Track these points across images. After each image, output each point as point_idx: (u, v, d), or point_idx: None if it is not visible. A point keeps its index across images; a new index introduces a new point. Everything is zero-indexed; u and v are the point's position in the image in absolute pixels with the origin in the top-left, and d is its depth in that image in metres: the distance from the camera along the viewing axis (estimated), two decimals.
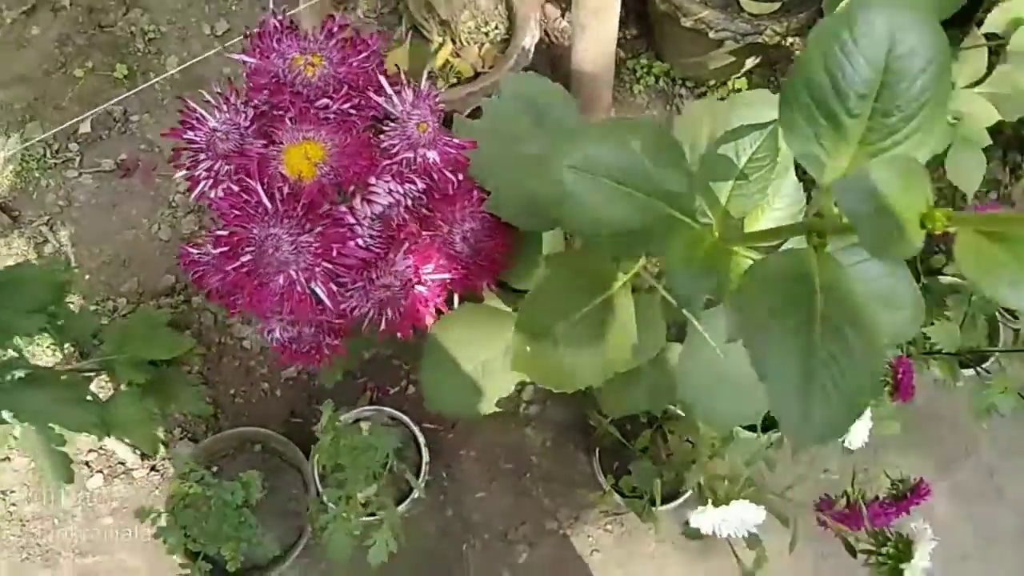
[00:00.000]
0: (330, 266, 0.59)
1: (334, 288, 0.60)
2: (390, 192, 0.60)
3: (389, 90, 0.61)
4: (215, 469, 1.12)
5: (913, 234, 0.30)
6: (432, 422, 1.25)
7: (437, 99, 0.63)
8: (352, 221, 0.59)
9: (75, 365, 0.98)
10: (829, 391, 0.37)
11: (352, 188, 0.59)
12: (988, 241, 0.30)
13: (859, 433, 0.81)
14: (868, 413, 0.82)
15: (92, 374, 1.01)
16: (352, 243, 0.60)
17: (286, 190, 0.58)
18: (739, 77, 1.41)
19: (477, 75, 1.17)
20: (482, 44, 1.20)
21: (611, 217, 0.52)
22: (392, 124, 0.61)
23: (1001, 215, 0.29)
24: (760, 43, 1.23)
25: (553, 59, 1.44)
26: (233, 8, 1.44)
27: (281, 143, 0.59)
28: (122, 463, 1.20)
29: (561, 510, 1.24)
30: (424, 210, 0.69)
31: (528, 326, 0.61)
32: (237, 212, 0.60)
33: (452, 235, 0.70)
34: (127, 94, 1.24)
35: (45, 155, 1.33)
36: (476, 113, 0.88)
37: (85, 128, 1.34)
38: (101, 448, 1.20)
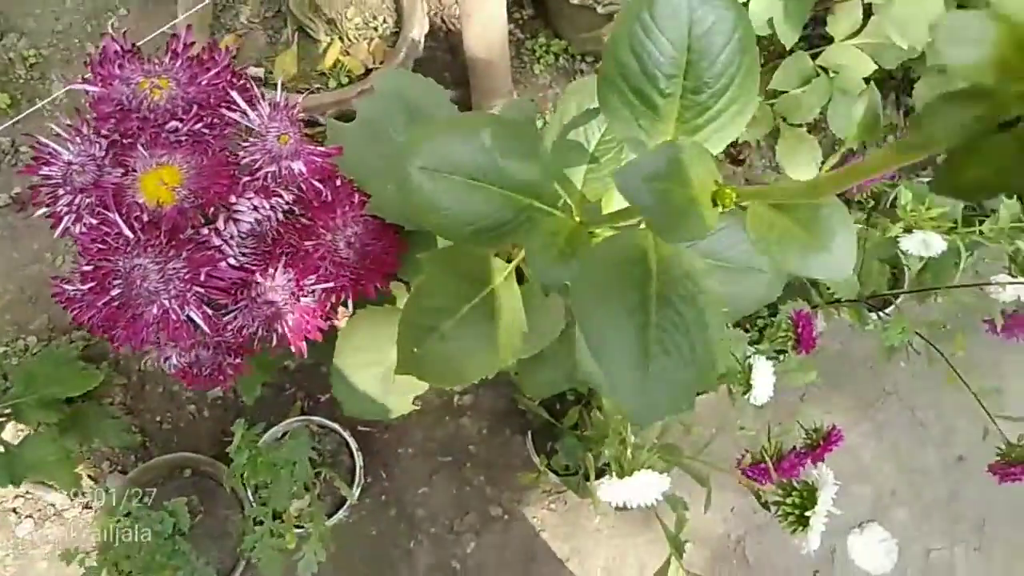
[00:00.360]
0: (201, 290, 0.58)
1: (209, 311, 0.59)
2: (255, 208, 0.59)
3: (243, 105, 0.60)
4: (146, 500, 1.10)
5: (705, 214, 0.31)
6: (366, 424, 1.25)
7: (296, 108, 0.62)
8: (218, 242, 0.58)
9: None
10: (666, 367, 0.38)
11: (212, 209, 0.58)
12: (777, 212, 0.31)
13: (762, 389, 0.83)
14: (769, 369, 0.84)
15: (3, 419, 0.98)
16: (222, 264, 0.59)
17: (145, 218, 0.57)
18: None
19: (368, 72, 1.16)
20: (371, 40, 1.18)
21: (469, 214, 0.52)
22: (252, 139, 0.60)
23: (777, 186, 0.30)
24: None
25: (452, 47, 1.43)
26: (118, 25, 1.39)
27: (135, 171, 0.58)
28: (52, 505, 1.17)
29: (504, 495, 1.25)
30: (303, 220, 0.68)
31: (412, 327, 0.61)
32: (100, 246, 0.58)
33: (336, 242, 0.69)
34: (11, 122, 1.19)
35: None
36: None
37: None
38: (27, 493, 1.17)
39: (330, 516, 1.06)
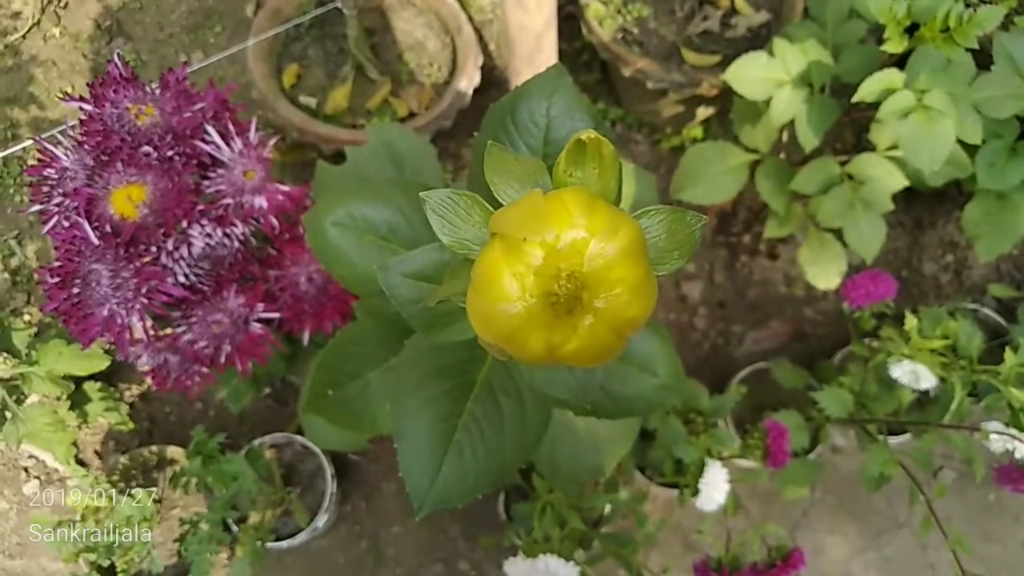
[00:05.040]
0: (146, 300, 0.63)
1: (150, 322, 0.63)
2: (208, 235, 0.63)
3: (217, 139, 0.64)
4: (134, 484, 1.16)
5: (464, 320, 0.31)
6: (357, 452, 1.27)
7: (267, 149, 0.66)
8: (166, 261, 0.62)
9: None
10: (466, 456, 0.38)
11: (162, 231, 0.62)
12: None
13: (712, 494, 0.80)
14: (723, 475, 0.81)
15: (15, 384, 1.06)
16: (169, 280, 0.63)
17: (108, 228, 0.62)
18: (695, 126, 1.41)
19: (412, 115, 1.21)
20: (421, 85, 1.23)
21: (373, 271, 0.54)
22: (220, 171, 0.65)
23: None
24: (702, 95, 1.23)
25: None
26: (211, 40, 1.51)
27: (109, 185, 0.63)
28: (56, 470, 1.25)
29: (476, 552, 1.24)
30: (272, 250, 0.72)
31: (332, 371, 0.63)
32: (70, 246, 0.64)
33: (297, 275, 0.72)
34: None
35: (22, 172, 1.42)
36: None
37: None
38: (38, 457, 1.25)
39: (292, 535, 1.08)
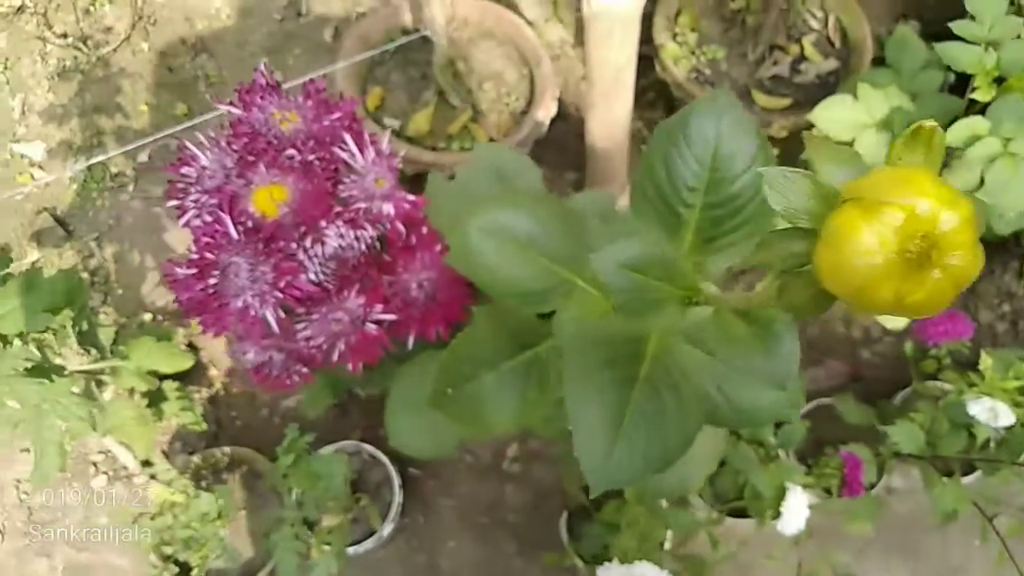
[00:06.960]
0: (280, 295, 0.66)
1: (282, 315, 0.67)
2: (341, 236, 0.67)
3: (353, 147, 0.68)
4: (204, 483, 1.19)
5: (675, 308, 0.35)
6: (417, 466, 1.29)
7: (396, 159, 0.70)
8: (302, 258, 0.66)
9: (86, 367, 1.07)
10: (634, 442, 0.41)
11: (303, 229, 0.66)
12: (736, 318, 0.34)
13: (793, 519, 0.82)
14: (804, 500, 0.83)
15: (104, 376, 1.10)
16: (302, 277, 0.67)
17: (250, 224, 0.66)
18: None
19: (491, 141, 1.25)
20: (501, 113, 1.28)
21: (516, 276, 0.57)
22: (353, 177, 0.69)
23: (735, 294, 0.34)
24: (772, 137, 1.27)
25: (580, 133, 1.51)
26: (290, 63, 1.58)
27: (252, 184, 0.67)
28: (125, 467, 1.28)
29: (531, 570, 1.25)
30: (386, 256, 0.76)
31: (452, 371, 0.66)
32: (208, 239, 0.68)
33: (409, 281, 0.76)
34: (179, 128, 1.37)
35: (104, 178, 1.48)
36: None
37: (143, 157, 1.48)
38: (108, 452, 1.29)
39: (359, 543, 1.11)
